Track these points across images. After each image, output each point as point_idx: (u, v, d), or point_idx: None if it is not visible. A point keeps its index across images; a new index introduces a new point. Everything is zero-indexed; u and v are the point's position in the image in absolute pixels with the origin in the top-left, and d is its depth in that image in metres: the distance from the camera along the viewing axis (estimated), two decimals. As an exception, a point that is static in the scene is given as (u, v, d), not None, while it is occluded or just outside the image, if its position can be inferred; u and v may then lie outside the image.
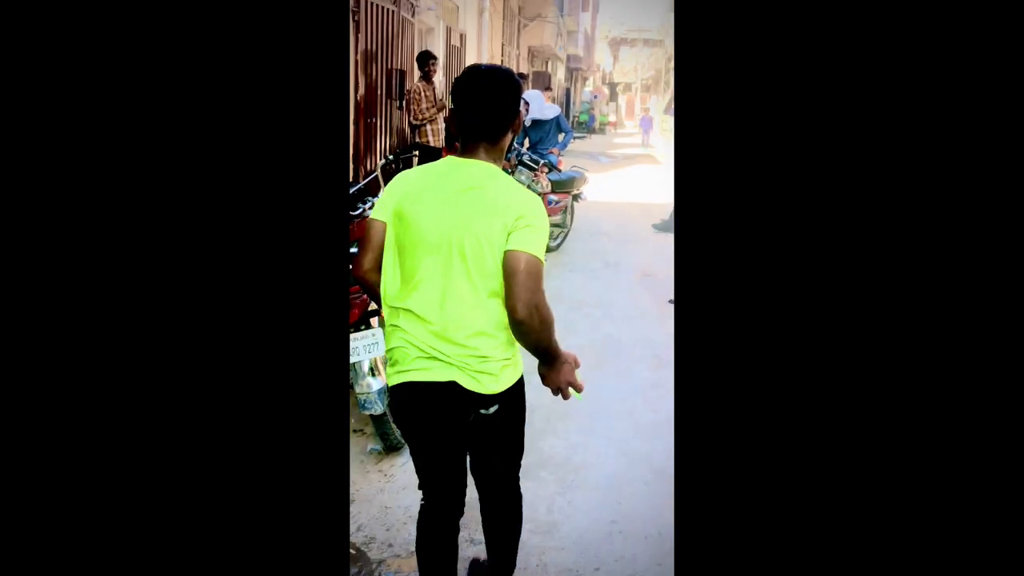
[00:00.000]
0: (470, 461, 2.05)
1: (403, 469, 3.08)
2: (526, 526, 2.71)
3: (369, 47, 6.56)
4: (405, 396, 1.83)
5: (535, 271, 1.72)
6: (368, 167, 6.69)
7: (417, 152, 6.25)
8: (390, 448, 3.17)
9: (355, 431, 3.37)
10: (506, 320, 1.78)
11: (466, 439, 1.96)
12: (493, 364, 1.82)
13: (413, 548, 2.51)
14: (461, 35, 10.24)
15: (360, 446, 3.25)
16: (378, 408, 2.95)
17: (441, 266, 1.74)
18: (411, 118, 7.23)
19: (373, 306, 3.08)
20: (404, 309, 1.80)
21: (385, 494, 2.89)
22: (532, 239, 1.72)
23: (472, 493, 2.14)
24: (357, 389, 2.95)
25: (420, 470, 1.97)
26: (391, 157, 4.21)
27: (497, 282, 1.74)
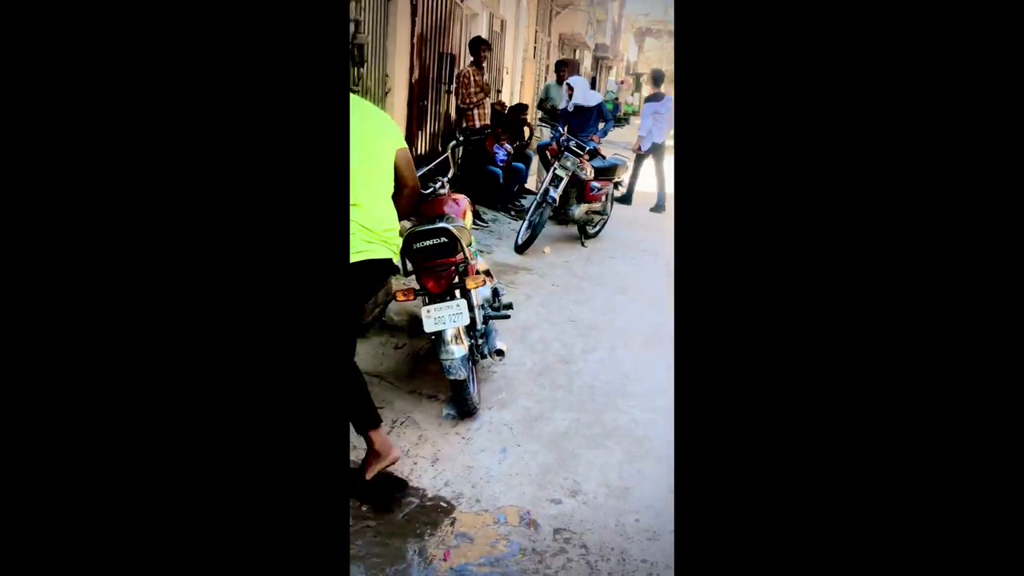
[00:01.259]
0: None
1: (479, 432, 3.27)
2: (602, 489, 2.89)
3: (423, 31, 6.71)
4: None
5: None
6: (419, 149, 6.85)
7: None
8: (464, 413, 3.35)
9: (431, 397, 3.56)
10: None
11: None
12: None
13: (500, 503, 2.70)
14: (502, 21, 10.36)
15: (436, 411, 3.43)
16: (461, 374, 3.14)
17: None
18: (459, 101, 7.38)
19: (456, 279, 3.26)
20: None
21: (466, 455, 3.07)
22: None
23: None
24: (441, 356, 3.13)
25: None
26: (461, 138, 4.37)
27: None
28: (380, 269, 2.72)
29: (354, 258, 2.53)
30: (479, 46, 7.30)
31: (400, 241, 2.82)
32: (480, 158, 8.01)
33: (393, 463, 2.72)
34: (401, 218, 2.87)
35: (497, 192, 8.10)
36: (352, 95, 2.61)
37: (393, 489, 2.73)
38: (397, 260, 2.80)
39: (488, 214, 7.87)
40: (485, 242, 6.83)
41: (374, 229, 2.63)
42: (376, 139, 2.68)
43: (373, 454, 2.68)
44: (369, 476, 2.64)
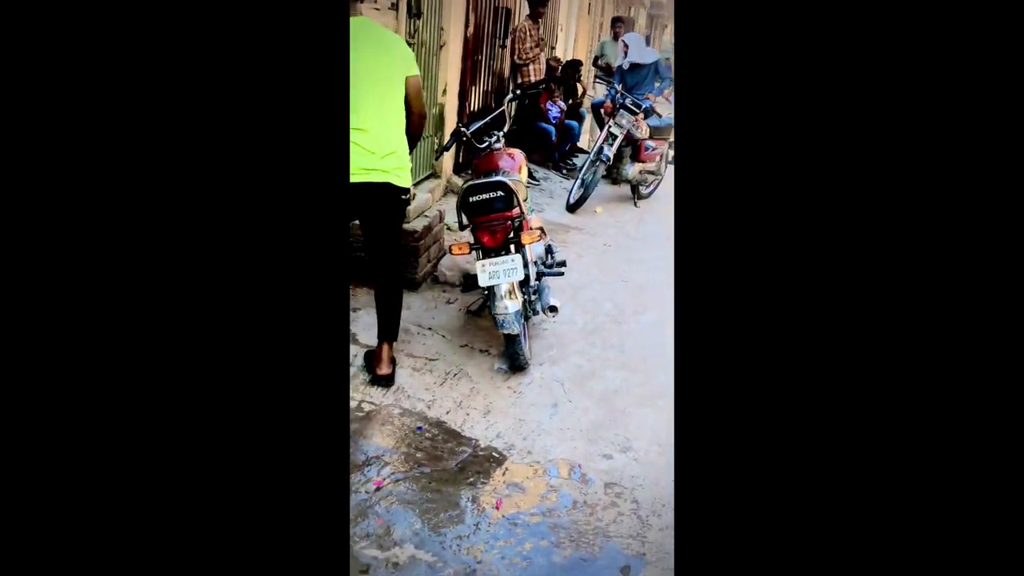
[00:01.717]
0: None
1: (530, 387, 3.29)
2: (653, 447, 2.89)
3: (479, -17, 6.60)
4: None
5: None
6: (472, 105, 6.80)
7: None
8: (515, 368, 3.37)
9: (482, 351, 3.58)
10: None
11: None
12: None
13: (552, 456, 2.72)
14: (560, -26, 10.13)
15: (488, 364, 3.46)
16: (515, 328, 3.14)
17: None
18: (514, 56, 7.28)
19: (512, 234, 3.24)
20: None
21: (517, 408, 3.10)
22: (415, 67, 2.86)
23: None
24: (495, 311, 3.14)
25: None
26: (517, 92, 4.32)
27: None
28: (383, 194, 2.83)
29: (353, 179, 2.67)
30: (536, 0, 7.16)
31: (407, 168, 2.92)
32: (533, 115, 7.92)
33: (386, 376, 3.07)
34: (411, 146, 2.96)
35: (549, 150, 8.01)
36: (363, 18, 2.78)
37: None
38: (403, 184, 2.90)
39: (540, 172, 7.81)
40: (536, 200, 6.78)
41: (376, 152, 2.75)
42: (387, 65, 2.76)
43: (376, 359, 3.08)
44: (383, 373, 3.06)
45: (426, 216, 4.45)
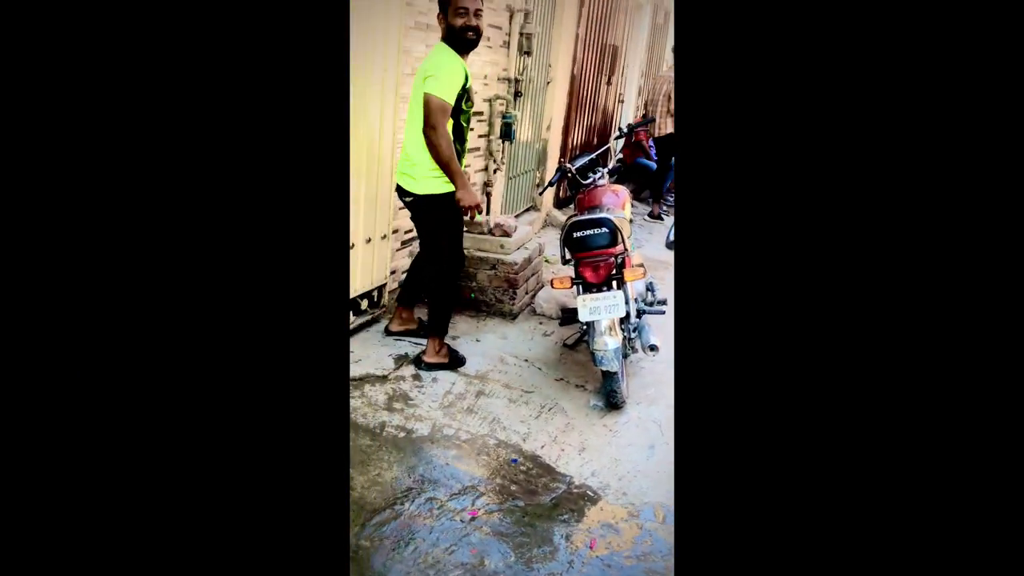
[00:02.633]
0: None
1: (626, 426, 3.24)
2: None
3: (588, 22, 6.70)
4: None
5: (436, 105, 2.99)
6: (574, 139, 6.87)
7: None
8: (612, 406, 3.33)
9: (578, 386, 3.56)
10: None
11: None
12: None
13: (647, 499, 2.66)
14: (665, 13, 10.15)
15: (583, 400, 3.43)
16: (614, 366, 3.12)
17: None
18: (650, 112, 7.28)
19: (614, 271, 3.23)
20: None
21: (613, 447, 3.05)
22: (435, 84, 2.99)
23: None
24: (594, 346, 3.12)
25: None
26: (624, 130, 4.34)
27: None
28: (415, 199, 3.22)
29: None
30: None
31: (428, 176, 3.15)
32: (635, 151, 7.92)
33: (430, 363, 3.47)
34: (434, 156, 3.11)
35: (652, 186, 7.97)
36: (439, 44, 3.13)
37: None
38: (418, 190, 3.19)
39: (638, 207, 7.77)
40: (636, 236, 6.74)
41: (404, 160, 3.24)
42: (419, 84, 3.09)
43: (428, 351, 3.49)
44: (427, 360, 3.47)
45: (526, 248, 4.50)
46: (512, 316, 4.28)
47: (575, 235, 3.19)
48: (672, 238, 6.45)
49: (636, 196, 8.02)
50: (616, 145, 4.26)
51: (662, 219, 7.62)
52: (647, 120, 6.21)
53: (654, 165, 7.88)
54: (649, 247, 6.45)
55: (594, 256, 3.17)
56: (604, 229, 3.15)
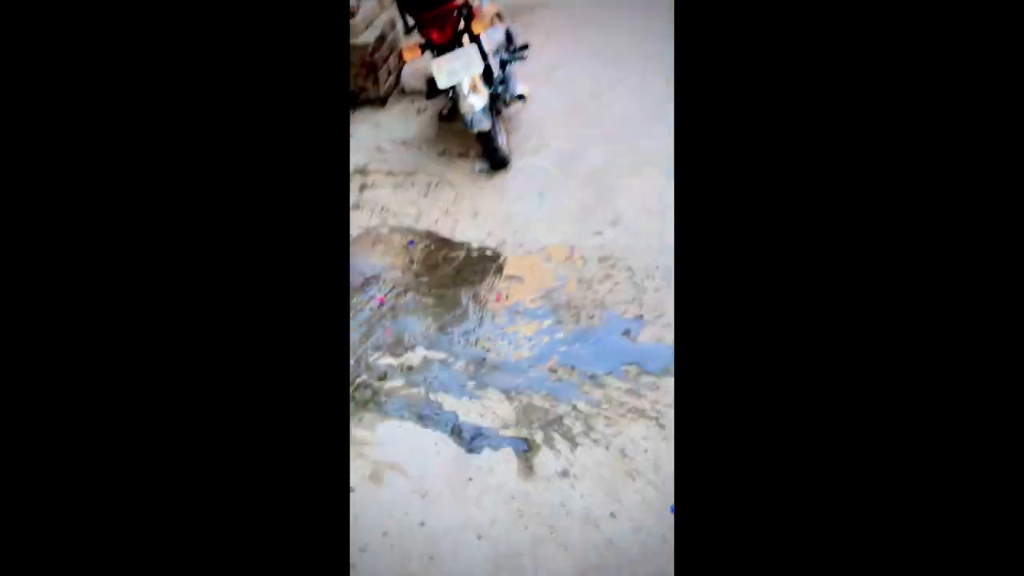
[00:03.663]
0: None
1: (514, 181, 3.27)
2: (642, 214, 2.90)
3: None
4: None
5: None
6: None
7: None
8: (496, 165, 3.33)
9: (461, 155, 3.53)
10: None
11: None
12: None
13: (544, 244, 2.76)
14: None
15: (468, 168, 3.42)
16: (485, 124, 3.06)
17: None
18: None
19: (462, 25, 3.06)
20: None
21: (504, 204, 3.10)
22: None
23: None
24: (462, 109, 3.04)
25: None
26: None
27: None
28: None
29: None
30: None
31: None
32: None
33: None
34: None
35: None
36: None
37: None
38: None
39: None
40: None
41: None
42: None
43: None
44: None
45: (375, 27, 4.20)
46: (381, 101, 4.10)
47: (411, -3, 2.97)
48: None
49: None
50: None
51: None
52: None
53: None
54: (511, -7, 6.09)
55: (434, 15, 2.97)
56: (439, -17, 2.93)
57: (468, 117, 3.04)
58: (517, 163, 3.41)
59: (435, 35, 3.00)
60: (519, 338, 2.33)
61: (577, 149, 3.48)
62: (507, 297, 2.52)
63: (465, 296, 2.56)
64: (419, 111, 4.01)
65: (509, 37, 3.78)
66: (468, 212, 3.07)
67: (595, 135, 3.59)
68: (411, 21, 3.08)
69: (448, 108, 3.85)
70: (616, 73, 4.26)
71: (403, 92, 4.26)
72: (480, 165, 3.39)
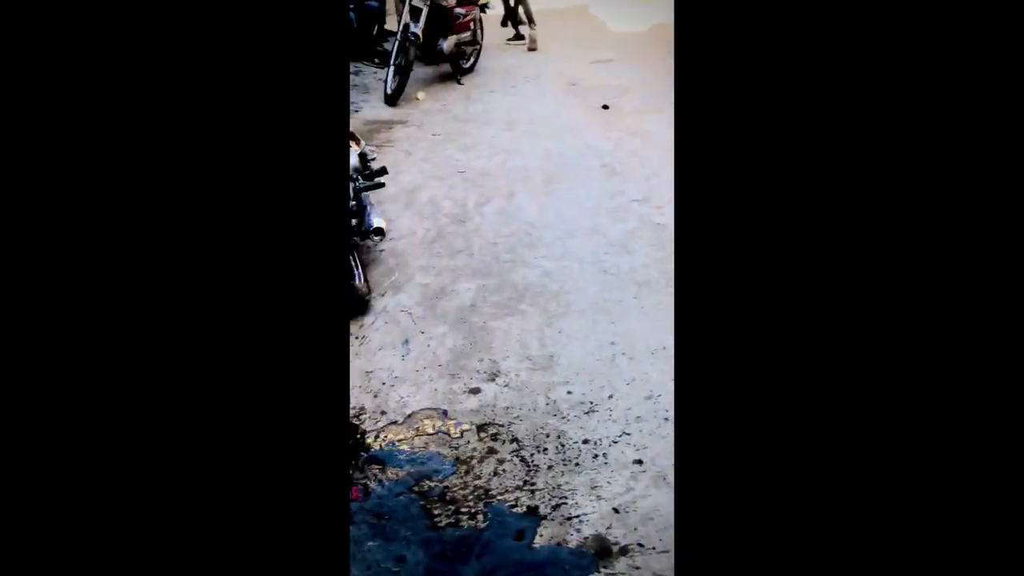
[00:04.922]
0: None
1: (374, 328, 2.81)
2: (523, 364, 2.52)
3: None
4: None
5: None
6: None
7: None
8: (354, 310, 2.87)
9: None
10: None
11: None
12: None
13: (409, 408, 2.30)
14: None
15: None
16: (336, 268, 2.61)
17: None
18: None
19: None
20: None
21: (363, 358, 2.62)
22: None
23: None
24: (307, 251, 2.59)
25: None
26: None
27: None
28: None
29: None
30: None
31: None
32: (325, 3, 6.98)
33: None
34: None
35: (354, 39, 7.15)
36: None
37: None
38: None
39: (349, 68, 6.98)
40: (352, 99, 6.04)
41: None
42: None
43: None
44: None
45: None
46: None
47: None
48: (390, 91, 5.84)
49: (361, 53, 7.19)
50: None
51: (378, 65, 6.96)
52: None
53: (352, 16, 7.03)
54: (368, 108, 5.81)
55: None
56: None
57: (314, 260, 2.58)
58: (377, 304, 2.96)
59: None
60: (381, 567, 1.81)
61: (445, 284, 3.09)
62: (365, 494, 2.00)
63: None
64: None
65: (364, 160, 3.40)
66: (318, 371, 2.56)
67: (463, 266, 3.22)
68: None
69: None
70: (482, 195, 3.97)
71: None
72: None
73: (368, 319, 2.87)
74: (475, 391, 2.41)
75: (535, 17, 8.24)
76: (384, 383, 2.47)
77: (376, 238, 2.94)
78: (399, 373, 2.52)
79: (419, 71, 6.19)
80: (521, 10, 8.08)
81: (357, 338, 2.75)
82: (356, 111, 5.72)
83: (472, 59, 6.69)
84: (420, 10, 5.78)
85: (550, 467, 2.06)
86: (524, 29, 8.10)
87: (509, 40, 8.06)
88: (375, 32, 7.50)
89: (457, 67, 6.45)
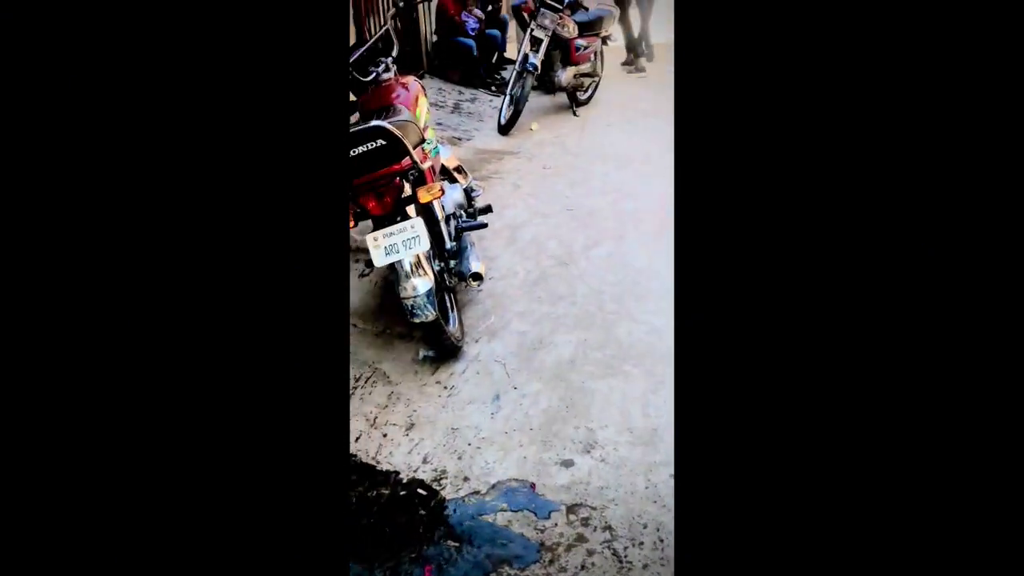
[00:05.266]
0: None
1: (464, 377, 2.64)
2: (623, 436, 2.28)
3: None
4: None
5: None
6: (372, 28, 5.89)
7: None
8: (445, 355, 2.71)
9: (403, 336, 2.91)
10: None
11: None
12: None
13: (495, 478, 2.10)
14: None
15: (411, 354, 2.79)
16: (429, 313, 2.46)
17: None
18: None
19: (408, 191, 2.52)
20: None
21: (449, 412, 2.45)
22: None
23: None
24: (401, 294, 2.45)
25: None
26: (403, 4, 3.44)
27: None
28: None
29: None
30: None
31: None
32: (448, 30, 7.02)
33: None
34: None
35: (472, 66, 7.15)
36: None
37: None
38: None
39: (466, 93, 6.97)
40: (464, 127, 6.00)
41: None
42: None
43: None
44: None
45: (321, 174, 3.69)
46: (319, 260, 3.51)
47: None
48: (504, 121, 5.75)
49: (465, 82, 7.20)
50: (396, 25, 3.40)
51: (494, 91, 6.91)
52: None
53: (473, 43, 7.04)
54: (481, 136, 5.74)
55: (374, 180, 2.43)
56: (380, 142, 2.39)
57: (408, 304, 2.44)
58: (470, 350, 2.80)
59: (372, 205, 2.44)
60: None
61: (544, 334, 2.89)
62: (438, 574, 1.81)
63: (379, 572, 1.85)
64: (362, 275, 3.42)
65: (468, 197, 3.27)
66: (402, 422, 2.41)
67: (565, 315, 3.02)
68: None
69: (370, 270, 3.25)
70: (590, 237, 3.75)
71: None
72: (424, 352, 2.77)
73: (459, 366, 2.70)
74: (568, 463, 2.18)
75: (655, 52, 8.00)
76: (470, 443, 2.29)
77: (473, 284, 2.78)
78: (487, 433, 2.33)
79: (535, 100, 6.08)
80: (643, 43, 7.87)
81: (446, 388, 2.58)
82: (468, 139, 5.66)
83: (590, 91, 6.53)
84: (541, 40, 5.67)
85: (645, 566, 1.81)
86: (644, 61, 7.88)
87: (625, 66, 7.86)
88: (494, 60, 7.48)
89: (574, 98, 6.31)
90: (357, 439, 2.32)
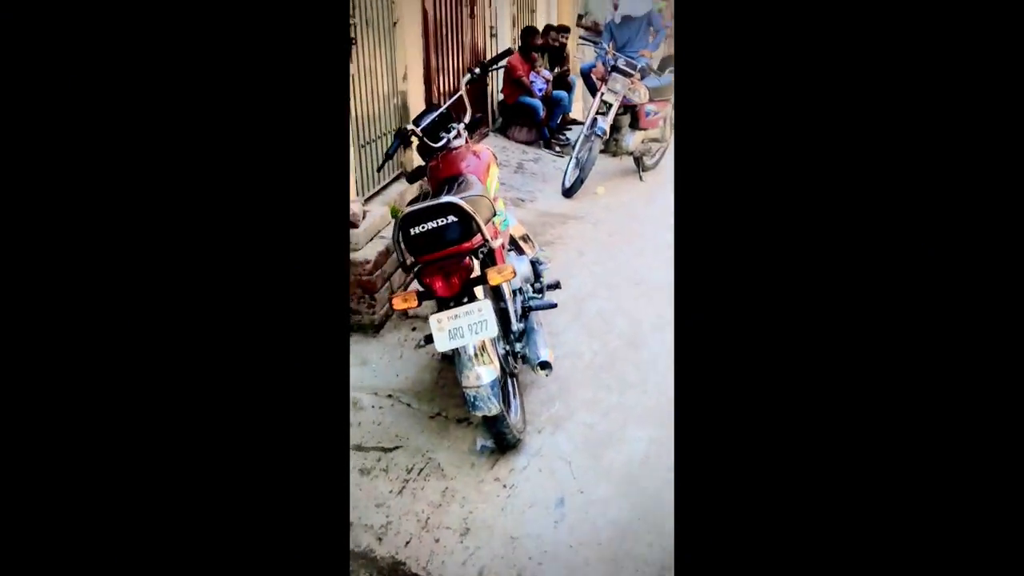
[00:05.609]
0: None
1: (524, 475, 2.41)
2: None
3: (432, -57, 5.63)
4: None
5: None
6: (441, 87, 5.86)
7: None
8: (504, 447, 2.49)
9: (460, 421, 2.70)
10: None
11: None
12: None
13: (559, 607, 1.84)
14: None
15: (467, 442, 2.58)
16: (493, 407, 2.25)
17: None
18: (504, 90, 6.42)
19: (477, 270, 2.34)
20: None
21: (508, 516, 2.22)
22: None
23: None
24: (464, 383, 2.25)
25: None
26: (478, 71, 3.33)
27: None
28: None
29: None
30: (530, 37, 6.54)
31: None
32: (515, 89, 6.98)
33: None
34: None
35: (538, 127, 7.08)
36: None
37: None
38: None
39: (529, 153, 6.88)
40: (527, 187, 5.87)
41: None
42: None
43: None
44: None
45: (382, 237, 3.56)
46: (375, 328, 3.36)
47: (412, 232, 2.25)
48: (568, 184, 5.60)
49: (529, 142, 7.12)
50: (469, 91, 3.28)
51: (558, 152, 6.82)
52: (505, 53, 5.28)
53: (539, 104, 6.98)
54: (544, 198, 5.60)
55: (441, 258, 2.26)
56: (451, 218, 2.22)
57: (470, 394, 2.24)
58: (532, 441, 2.57)
59: (439, 285, 2.27)
60: None
61: (613, 428, 2.65)
62: None
63: None
64: (418, 345, 3.24)
65: (535, 270, 3.08)
66: (456, 525, 2.19)
67: (635, 406, 2.77)
68: (409, 258, 2.36)
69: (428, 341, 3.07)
70: (660, 313, 3.52)
71: (405, 315, 3.54)
72: (483, 441, 2.56)
73: (520, 461, 2.47)
74: None
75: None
76: (531, 557, 2.05)
77: (543, 372, 2.56)
78: (548, 547, 2.09)
79: (600, 163, 5.93)
80: None
81: (505, 486, 2.36)
82: (531, 201, 5.53)
83: (657, 156, 6.37)
84: (610, 105, 5.55)
85: None
86: None
87: None
88: (560, 120, 7.41)
89: (641, 163, 6.15)
90: (407, 544, 2.10)
